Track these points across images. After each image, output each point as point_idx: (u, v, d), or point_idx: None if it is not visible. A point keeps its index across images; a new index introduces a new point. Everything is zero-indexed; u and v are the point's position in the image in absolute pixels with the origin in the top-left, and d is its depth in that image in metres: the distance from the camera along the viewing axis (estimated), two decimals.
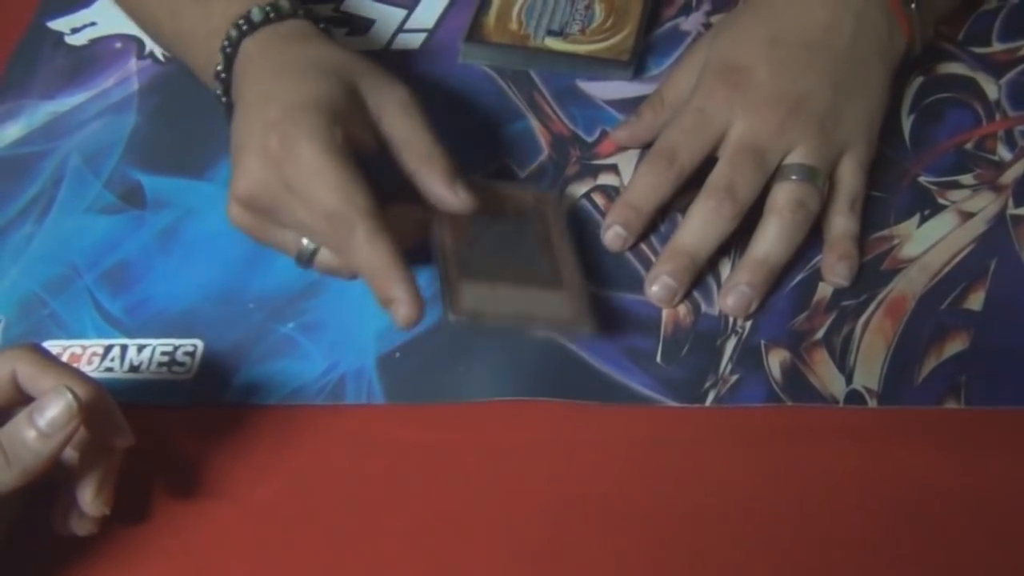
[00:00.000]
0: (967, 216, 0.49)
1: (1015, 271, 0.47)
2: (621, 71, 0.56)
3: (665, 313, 0.47)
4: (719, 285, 0.48)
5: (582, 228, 0.50)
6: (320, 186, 0.40)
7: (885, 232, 0.49)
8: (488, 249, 0.46)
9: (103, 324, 0.48)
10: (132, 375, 0.46)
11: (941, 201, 0.50)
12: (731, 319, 0.47)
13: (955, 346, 0.45)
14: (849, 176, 0.48)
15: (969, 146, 0.52)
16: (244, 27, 0.46)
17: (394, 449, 0.44)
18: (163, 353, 0.47)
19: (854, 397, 0.44)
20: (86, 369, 0.46)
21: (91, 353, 0.47)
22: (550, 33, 0.57)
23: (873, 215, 0.49)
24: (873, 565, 0.40)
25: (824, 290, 0.47)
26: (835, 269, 0.47)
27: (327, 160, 0.40)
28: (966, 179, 0.51)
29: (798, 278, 0.48)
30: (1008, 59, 0.55)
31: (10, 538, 0.40)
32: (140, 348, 0.47)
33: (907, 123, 0.53)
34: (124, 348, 0.47)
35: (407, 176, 0.44)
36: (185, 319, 0.48)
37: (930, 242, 0.48)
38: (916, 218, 0.49)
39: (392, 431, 0.44)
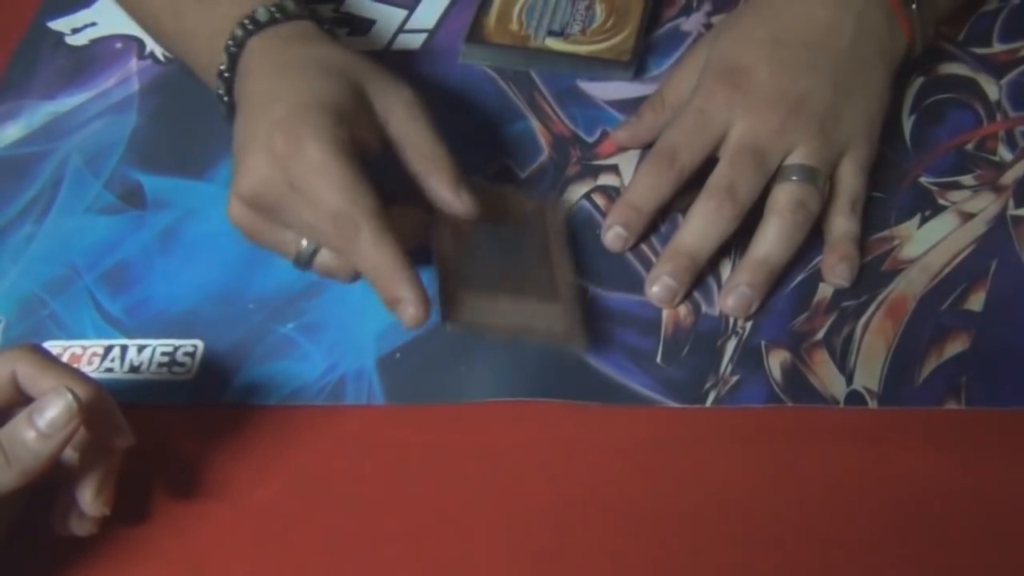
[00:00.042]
0: (968, 217, 0.49)
1: (1015, 272, 0.47)
2: (622, 71, 0.56)
3: (665, 314, 0.47)
4: (719, 286, 0.48)
5: (581, 230, 0.50)
6: (325, 185, 0.40)
7: (885, 233, 0.49)
8: (486, 257, 0.46)
9: (103, 324, 0.48)
10: (132, 375, 0.46)
11: (942, 202, 0.50)
12: (731, 320, 0.47)
13: (955, 347, 0.45)
14: (850, 177, 0.48)
15: (970, 147, 0.52)
16: (250, 27, 0.46)
17: (394, 450, 0.44)
18: (163, 353, 0.47)
19: (854, 398, 0.44)
20: (86, 369, 0.46)
21: (91, 353, 0.47)
22: (551, 33, 0.57)
23: (873, 216, 0.49)
24: (873, 565, 0.40)
25: (824, 291, 0.47)
26: (835, 270, 0.47)
27: (333, 159, 0.40)
28: (967, 180, 0.51)
29: (798, 279, 0.48)
30: (1009, 60, 0.55)
31: (10, 538, 0.40)
32: (140, 348, 0.47)
33: (908, 124, 0.53)
34: (124, 348, 0.47)
35: (412, 178, 0.44)
36: (185, 319, 0.48)
37: (931, 243, 0.48)
38: (917, 219, 0.49)
39: (392, 432, 0.44)
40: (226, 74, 0.47)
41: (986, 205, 0.50)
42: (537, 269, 0.46)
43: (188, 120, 0.55)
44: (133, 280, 0.50)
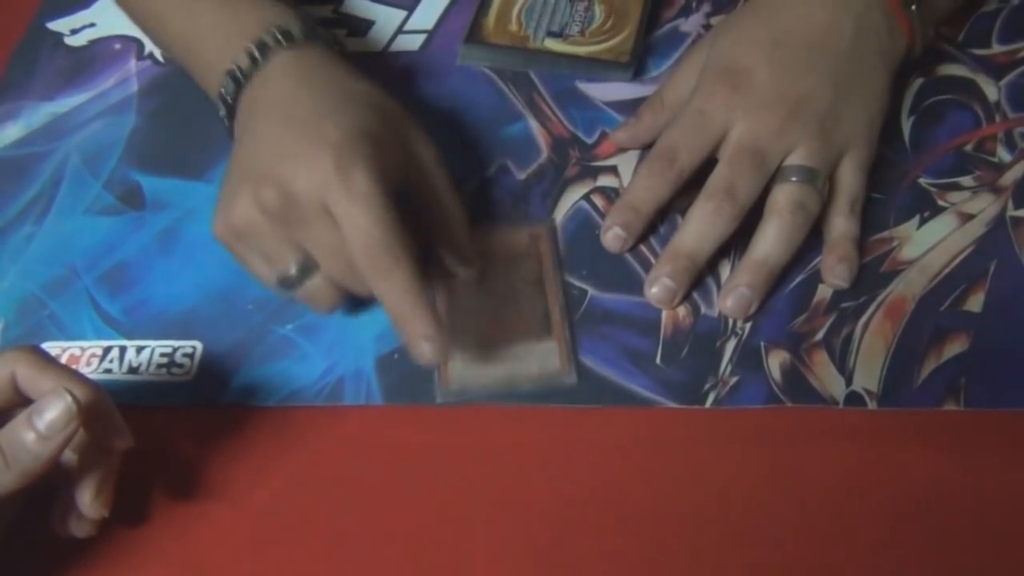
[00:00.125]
0: (967, 218, 0.49)
1: (1015, 273, 0.47)
2: (621, 72, 0.56)
3: (665, 315, 0.47)
4: (719, 287, 0.48)
5: (581, 232, 0.50)
6: (369, 215, 0.39)
7: (885, 234, 0.49)
8: (478, 305, 0.47)
9: (102, 325, 0.48)
10: (131, 376, 0.46)
11: (941, 203, 0.50)
12: (731, 320, 0.47)
13: (955, 348, 0.45)
14: (849, 177, 0.48)
15: (969, 148, 0.52)
16: (280, 38, 0.45)
17: (393, 450, 0.44)
18: (162, 354, 0.47)
19: (854, 399, 0.44)
20: (85, 370, 0.46)
21: (90, 354, 0.47)
22: (550, 34, 0.57)
23: (873, 217, 0.49)
24: (873, 566, 0.40)
25: (824, 292, 0.47)
26: (835, 271, 0.47)
27: (380, 191, 0.40)
28: (966, 181, 0.51)
29: (798, 279, 0.48)
30: (1008, 61, 0.55)
31: (9, 540, 0.40)
32: (139, 349, 0.47)
33: (907, 125, 0.53)
34: (123, 349, 0.47)
35: (431, 229, 0.45)
36: (184, 320, 0.48)
37: (930, 244, 0.48)
38: (916, 220, 0.49)
39: (391, 432, 0.44)
40: (239, 76, 0.46)
41: (985, 206, 0.50)
42: (531, 304, 0.47)
43: (187, 121, 0.55)
44: (132, 281, 0.50)
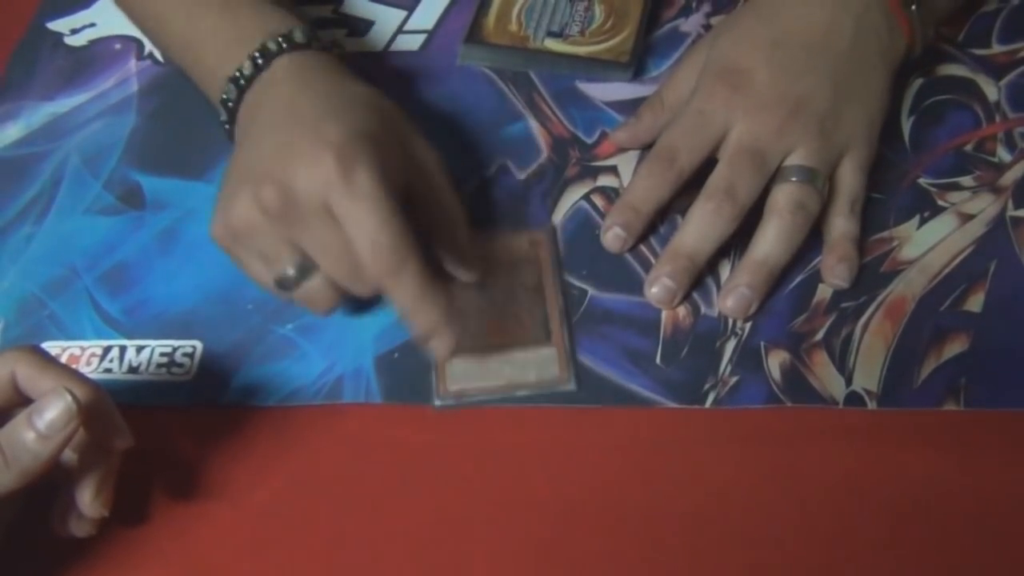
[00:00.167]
0: (967, 218, 0.49)
1: (1015, 273, 0.47)
2: (621, 72, 0.56)
3: (664, 315, 0.47)
4: (718, 287, 0.48)
5: (581, 232, 0.50)
6: (373, 214, 0.39)
7: (885, 234, 0.49)
8: (477, 311, 0.47)
9: (102, 325, 0.48)
10: (131, 376, 0.46)
11: (941, 203, 0.50)
12: (731, 320, 0.47)
13: (954, 348, 0.45)
14: (849, 178, 0.48)
15: (969, 148, 0.52)
16: (283, 44, 0.45)
17: (393, 450, 0.44)
18: (162, 354, 0.47)
19: (854, 399, 0.44)
20: (85, 370, 0.46)
21: (90, 354, 0.47)
22: (550, 34, 0.57)
23: (873, 217, 0.49)
24: (872, 566, 0.40)
25: (824, 292, 0.47)
26: (835, 271, 0.47)
27: (384, 190, 0.40)
28: (966, 181, 0.51)
29: (797, 279, 0.48)
30: (1008, 61, 0.55)
31: (9, 539, 0.40)
32: (139, 349, 0.47)
33: (907, 125, 0.53)
34: (123, 349, 0.47)
35: (428, 227, 0.45)
36: (184, 320, 0.48)
37: (930, 244, 0.48)
38: (916, 220, 0.49)
39: (391, 432, 0.44)
40: (241, 82, 0.46)
41: (985, 206, 0.50)
42: (531, 310, 0.47)
43: (187, 121, 0.55)
44: (132, 281, 0.50)
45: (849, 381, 0.44)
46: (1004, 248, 0.48)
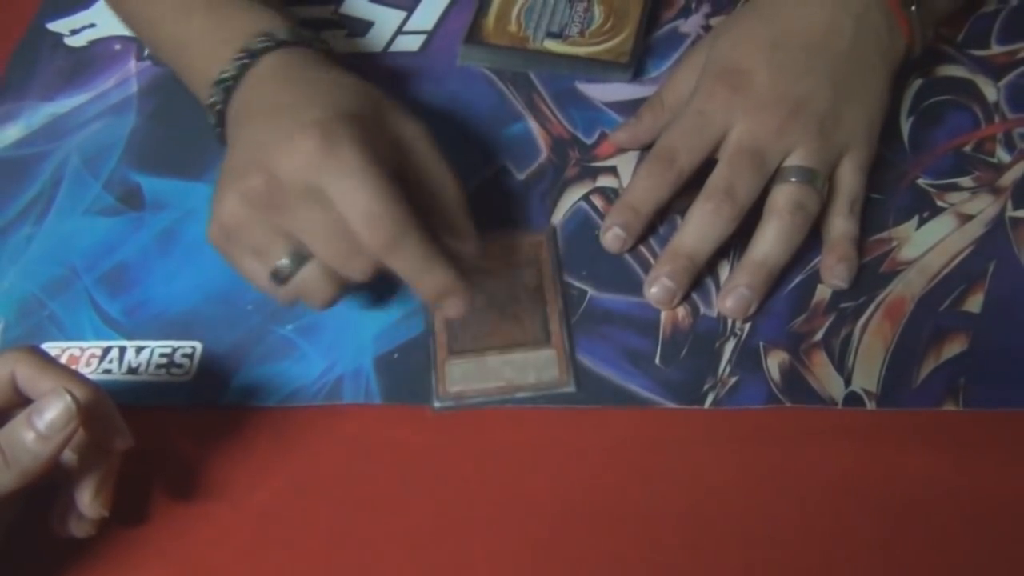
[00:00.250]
0: (966, 218, 0.49)
1: (1014, 273, 0.47)
2: (620, 73, 0.56)
3: (664, 315, 0.47)
4: (718, 287, 0.48)
5: (580, 232, 0.50)
6: (363, 188, 0.38)
7: (884, 234, 0.49)
8: (477, 313, 0.47)
9: (102, 326, 0.48)
10: (131, 377, 0.46)
11: (940, 203, 0.50)
12: (730, 321, 0.47)
13: (954, 348, 0.45)
14: (849, 178, 0.48)
15: (968, 148, 0.52)
16: (267, 43, 0.45)
17: (393, 451, 0.44)
18: (162, 355, 0.47)
19: (853, 399, 0.44)
20: (84, 371, 0.46)
21: (89, 355, 0.47)
22: (549, 35, 0.57)
23: (872, 217, 0.49)
24: (871, 566, 0.40)
25: (823, 292, 0.47)
26: (834, 271, 0.47)
27: (373, 163, 0.39)
28: (965, 181, 0.51)
29: (797, 280, 0.48)
30: (1007, 61, 0.55)
31: (9, 540, 0.40)
32: (139, 350, 0.47)
33: (906, 125, 0.53)
34: (123, 350, 0.47)
35: (423, 205, 0.43)
36: (184, 321, 0.48)
37: (929, 244, 0.48)
38: (915, 220, 0.49)
39: (391, 433, 0.44)
40: (228, 83, 0.45)
41: (984, 207, 0.50)
42: (531, 312, 0.47)
43: (187, 121, 0.55)
44: (132, 281, 0.50)
45: (848, 381, 0.44)
46: (1003, 248, 0.48)
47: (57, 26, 0.62)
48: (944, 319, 0.46)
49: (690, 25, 0.59)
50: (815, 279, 0.48)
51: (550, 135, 0.54)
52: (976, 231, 0.49)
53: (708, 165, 0.47)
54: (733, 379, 0.45)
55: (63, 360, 0.47)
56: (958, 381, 0.44)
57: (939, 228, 0.49)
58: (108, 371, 0.46)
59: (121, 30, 0.60)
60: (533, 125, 0.54)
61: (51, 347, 0.47)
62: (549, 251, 0.49)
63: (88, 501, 0.38)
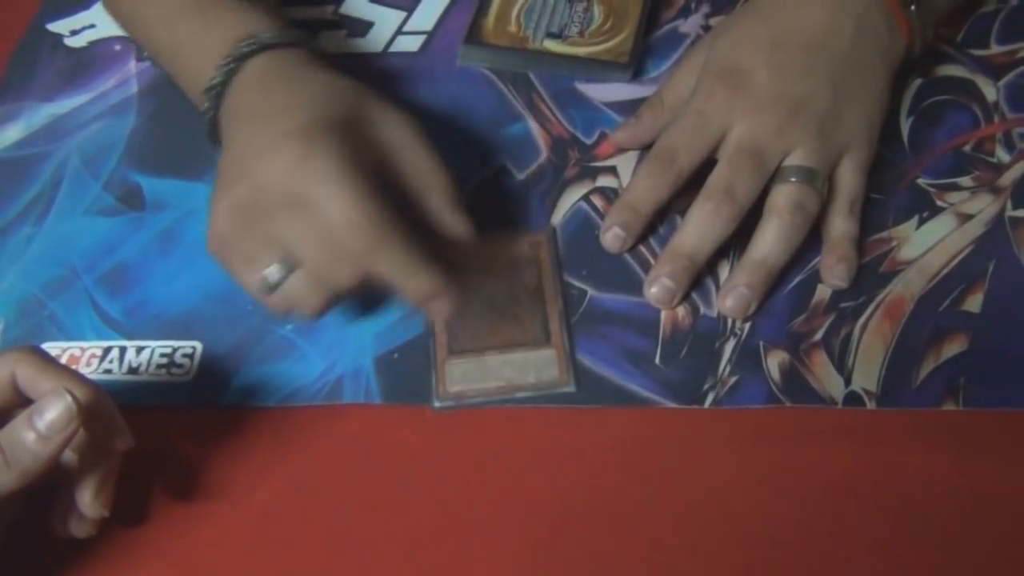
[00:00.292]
0: (966, 218, 0.49)
1: (1014, 273, 0.47)
2: (620, 73, 0.56)
3: (664, 315, 0.47)
4: (718, 287, 0.48)
5: (580, 232, 0.50)
6: (341, 193, 0.39)
7: (884, 234, 0.49)
8: (477, 313, 0.47)
9: (102, 326, 0.48)
10: (131, 377, 0.46)
11: (940, 203, 0.50)
12: (730, 321, 0.47)
13: (953, 348, 0.45)
14: (849, 178, 0.48)
15: (968, 148, 0.52)
16: (249, 49, 0.45)
17: (393, 451, 0.44)
18: (162, 355, 0.47)
19: (853, 399, 0.44)
20: (85, 371, 0.46)
21: (90, 355, 0.47)
22: (549, 35, 0.57)
23: (872, 217, 0.49)
24: (871, 566, 0.40)
25: (823, 292, 0.47)
26: (834, 271, 0.47)
27: (349, 169, 0.39)
28: (965, 181, 0.51)
29: (797, 280, 0.48)
30: (1007, 61, 0.56)
31: (9, 540, 0.40)
32: (139, 350, 0.47)
33: (906, 125, 0.53)
34: (123, 350, 0.47)
35: (414, 200, 0.44)
36: (184, 321, 0.48)
37: (929, 244, 0.48)
38: (915, 220, 0.49)
39: (391, 433, 0.44)
40: (217, 90, 0.46)
41: (984, 206, 0.50)
42: (531, 312, 0.47)
43: (187, 122, 0.55)
44: (132, 281, 0.50)
45: (848, 381, 0.44)
46: (1003, 248, 0.48)
47: (57, 27, 0.62)
48: (944, 319, 0.46)
49: (690, 25, 0.59)
50: (815, 279, 0.48)
51: (550, 135, 0.54)
52: (976, 231, 0.49)
53: (708, 165, 0.47)
54: (733, 379, 0.45)
55: (63, 360, 0.47)
56: (958, 381, 0.44)
57: (939, 228, 0.49)
58: (108, 371, 0.46)
59: (121, 31, 0.60)
60: (533, 125, 0.54)
61: (51, 347, 0.47)
62: (549, 251, 0.49)
63: (88, 501, 0.38)
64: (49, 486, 0.39)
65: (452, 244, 0.46)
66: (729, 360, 0.45)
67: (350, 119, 0.42)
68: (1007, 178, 0.51)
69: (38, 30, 0.62)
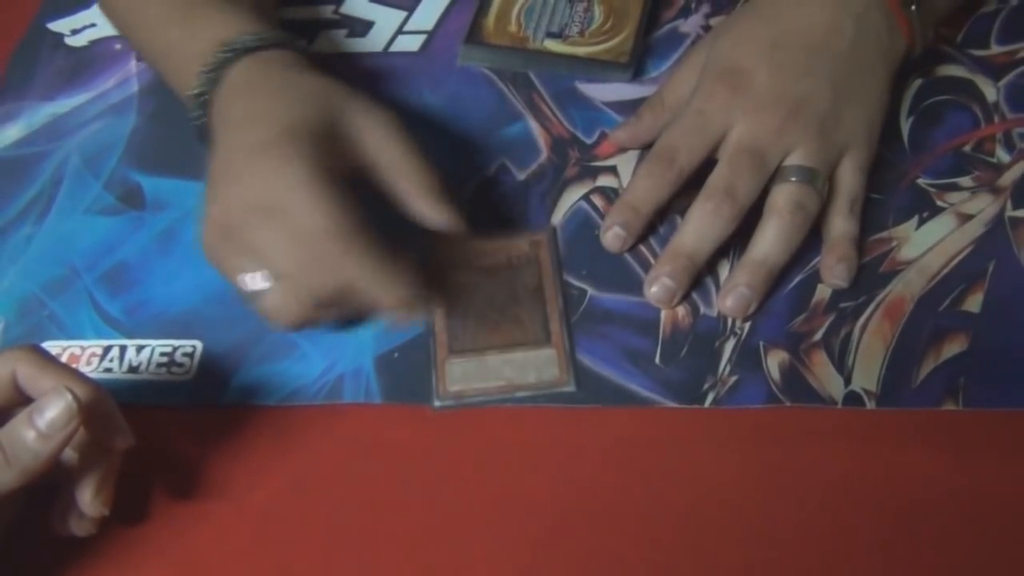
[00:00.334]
0: (966, 218, 0.49)
1: (1013, 273, 0.47)
2: (620, 73, 0.56)
3: (664, 314, 0.47)
4: (718, 287, 0.48)
5: (580, 231, 0.50)
6: (309, 203, 0.40)
7: (884, 234, 0.49)
8: (477, 312, 0.47)
9: (102, 325, 0.48)
10: (131, 376, 0.46)
11: (940, 203, 0.50)
12: (730, 320, 0.47)
13: (953, 348, 0.45)
14: (849, 178, 0.48)
15: (968, 148, 0.52)
16: (228, 54, 0.46)
17: (394, 450, 0.44)
18: (162, 354, 0.47)
19: (853, 399, 0.44)
20: (85, 370, 0.46)
21: (90, 354, 0.47)
22: (549, 35, 0.57)
23: (872, 217, 0.49)
24: (871, 566, 0.40)
25: (823, 292, 0.47)
26: (834, 271, 0.47)
27: (318, 178, 0.40)
28: (964, 181, 0.51)
29: (797, 279, 0.48)
30: (1007, 61, 0.56)
31: (9, 538, 0.40)
32: (139, 349, 0.47)
33: (906, 125, 0.53)
34: (123, 349, 0.47)
35: (392, 196, 0.44)
36: (184, 320, 0.48)
37: (929, 244, 0.48)
38: (915, 220, 0.49)
39: (392, 432, 0.44)
40: (203, 98, 0.46)
41: (984, 206, 0.50)
42: (531, 312, 0.47)
43: (187, 121, 0.55)
44: (132, 281, 0.50)
45: (848, 381, 0.44)
46: (1003, 248, 0.48)
47: (58, 26, 0.62)
48: (944, 319, 0.46)
49: (690, 25, 0.59)
50: (815, 279, 0.48)
51: (550, 135, 0.54)
52: (976, 231, 0.49)
53: (708, 165, 0.47)
54: (733, 378, 0.45)
55: (64, 359, 0.47)
56: (958, 381, 0.44)
57: (939, 228, 0.49)
58: (109, 370, 0.46)
59: None
60: (533, 125, 0.54)
61: (52, 346, 0.47)
62: (549, 251, 0.49)
63: (89, 500, 0.38)
64: (49, 485, 0.39)
65: (451, 244, 0.46)
66: (729, 360, 0.45)
67: (329, 121, 0.43)
68: (1007, 178, 0.51)
69: (39, 29, 0.62)
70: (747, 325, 0.46)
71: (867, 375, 0.44)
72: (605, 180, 0.52)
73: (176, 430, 0.45)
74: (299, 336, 0.47)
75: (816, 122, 0.47)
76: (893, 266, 0.48)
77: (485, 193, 0.52)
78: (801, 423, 0.43)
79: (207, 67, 0.46)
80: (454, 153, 0.51)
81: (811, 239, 0.47)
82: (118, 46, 0.60)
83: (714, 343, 0.46)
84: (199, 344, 0.47)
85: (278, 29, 0.48)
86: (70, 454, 0.39)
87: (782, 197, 0.46)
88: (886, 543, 0.40)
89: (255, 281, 0.42)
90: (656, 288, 0.46)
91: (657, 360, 0.46)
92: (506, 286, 0.48)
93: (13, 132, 0.56)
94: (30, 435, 0.35)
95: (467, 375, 0.45)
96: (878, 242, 0.49)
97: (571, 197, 0.51)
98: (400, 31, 0.60)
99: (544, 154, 0.53)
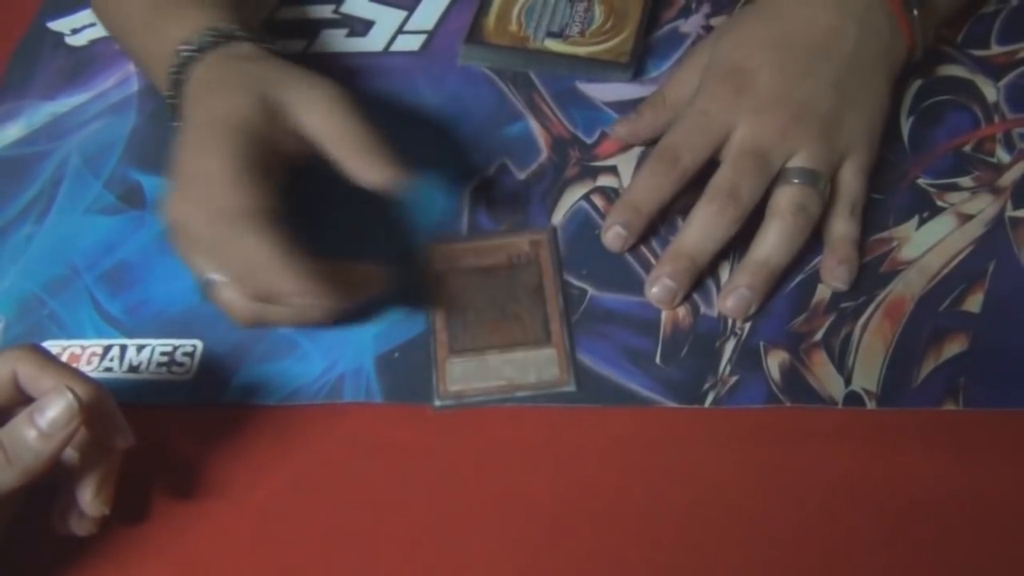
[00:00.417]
0: (966, 218, 0.49)
1: (1014, 273, 0.47)
2: (621, 73, 0.56)
3: (664, 315, 0.47)
4: (718, 287, 0.48)
5: (581, 231, 0.50)
6: (214, 189, 0.40)
7: (884, 234, 0.49)
8: (477, 312, 0.47)
9: (102, 324, 0.48)
10: (131, 375, 0.46)
11: (940, 203, 0.50)
12: (730, 321, 0.47)
13: (954, 348, 0.45)
14: (850, 180, 0.48)
15: (968, 148, 0.52)
16: (186, 54, 0.46)
17: (393, 449, 0.44)
18: (162, 353, 0.47)
19: (853, 399, 0.44)
20: (85, 369, 0.46)
21: (90, 353, 0.47)
22: (550, 35, 0.57)
23: (872, 217, 0.49)
24: (871, 566, 0.40)
25: (823, 292, 0.47)
26: (835, 273, 0.47)
27: (230, 166, 0.40)
28: (965, 181, 0.51)
29: (797, 280, 0.48)
30: (1007, 62, 0.56)
31: (9, 538, 0.40)
32: (139, 348, 0.47)
33: (906, 125, 0.53)
34: (123, 348, 0.47)
35: (336, 166, 0.44)
36: (184, 319, 0.48)
37: (929, 244, 0.48)
38: (915, 220, 0.49)
39: (392, 432, 0.44)
40: (172, 99, 0.47)
41: (984, 207, 0.50)
42: (531, 311, 0.47)
43: None
44: (132, 280, 0.50)
45: (848, 381, 0.44)
46: (1003, 248, 0.48)
47: (58, 25, 0.62)
48: (944, 319, 0.46)
49: (690, 25, 0.59)
50: (815, 279, 0.48)
51: (550, 135, 0.54)
52: (976, 231, 0.49)
53: (710, 166, 0.47)
54: (733, 378, 0.45)
55: (64, 358, 0.47)
56: (958, 381, 0.44)
57: (939, 228, 0.49)
58: (109, 369, 0.46)
59: None
60: (533, 125, 0.54)
61: (52, 345, 0.47)
62: (549, 250, 0.49)
63: (89, 499, 0.38)
64: (50, 484, 0.39)
65: (451, 244, 0.46)
66: (729, 360, 0.45)
67: (255, 112, 0.43)
68: (1007, 178, 0.51)
69: (39, 28, 0.62)
70: (747, 325, 0.46)
71: (867, 375, 0.44)
72: (605, 180, 0.52)
73: (176, 430, 0.45)
74: (300, 335, 0.47)
75: (818, 124, 0.47)
76: (893, 266, 0.48)
77: (485, 193, 0.52)
78: (801, 423, 0.43)
79: (172, 68, 0.46)
80: (454, 153, 0.51)
81: (811, 240, 0.47)
82: (118, 45, 0.60)
83: (714, 343, 0.46)
84: (199, 343, 0.47)
85: (238, 23, 0.48)
86: (71, 453, 0.39)
87: (784, 199, 0.46)
88: (886, 543, 0.40)
89: (211, 276, 0.42)
90: (657, 288, 0.46)
91: (657, 360, 0.46)
92: (506, 286, 0.48)
93: (13, 131, 0.56)
94: (31, 434, 0.35)
95: (467, 375, 0.45)
96: (878, 242, 0.49)
97: (571, 197, 0.51)
98: (400, 31, 0.60)
99: (544, 154, 0.53)
